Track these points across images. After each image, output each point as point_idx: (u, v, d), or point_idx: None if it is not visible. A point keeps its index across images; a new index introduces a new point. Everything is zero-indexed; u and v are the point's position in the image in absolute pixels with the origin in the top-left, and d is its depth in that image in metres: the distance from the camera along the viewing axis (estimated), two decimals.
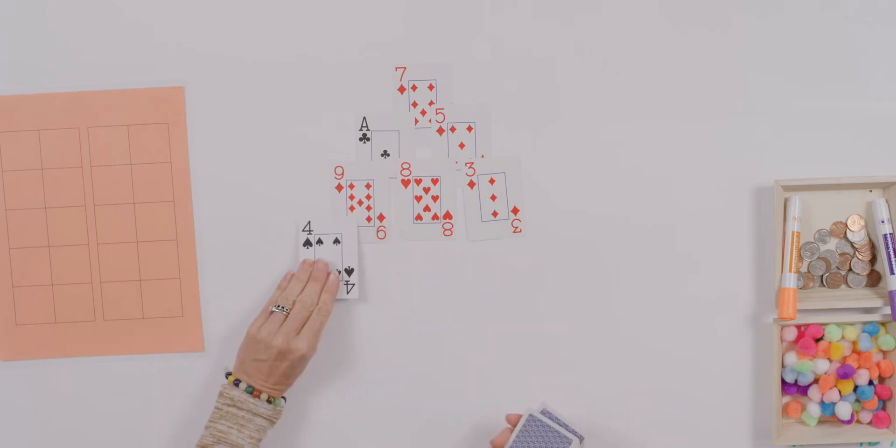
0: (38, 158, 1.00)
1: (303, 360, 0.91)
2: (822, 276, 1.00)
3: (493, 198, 1.00)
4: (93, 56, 1.00)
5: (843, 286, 1.00)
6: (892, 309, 0.95)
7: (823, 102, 0.99)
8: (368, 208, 1.00)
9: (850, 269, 1.00)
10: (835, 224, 1.00)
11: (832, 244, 1.00)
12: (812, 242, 1.00)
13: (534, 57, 0.99)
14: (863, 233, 0.99)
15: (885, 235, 0.97)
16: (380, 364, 1.00)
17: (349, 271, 1.00)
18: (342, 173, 1.00)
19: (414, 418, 1.00)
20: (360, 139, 1.00)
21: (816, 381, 0.98)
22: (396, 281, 1.00)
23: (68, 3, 1.00)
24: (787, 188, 0.97)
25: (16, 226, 1.00)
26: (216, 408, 0.91)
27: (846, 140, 0.99)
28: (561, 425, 0.91)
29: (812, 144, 0.99)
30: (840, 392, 0.97)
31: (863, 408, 0.99)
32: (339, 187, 1.00)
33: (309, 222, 1.00)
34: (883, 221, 0.97)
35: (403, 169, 1.00)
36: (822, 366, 0.97)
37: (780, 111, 0.99)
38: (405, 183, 1.00)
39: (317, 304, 0.94)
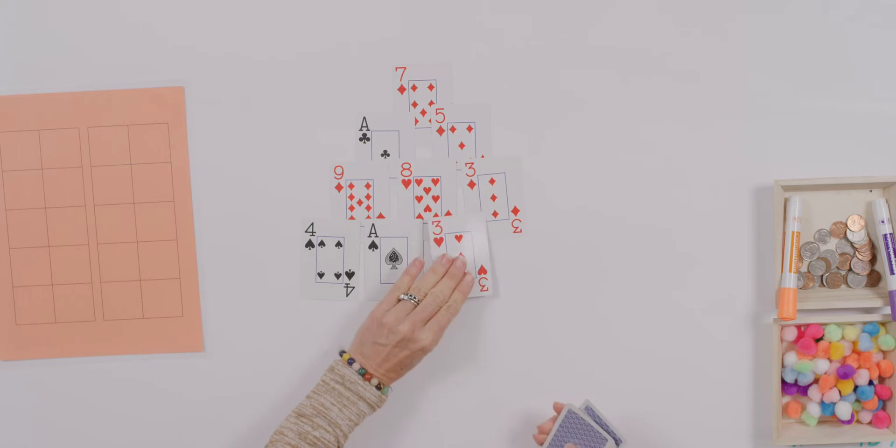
0: (38, 158, 1.00)
1: (422, 352, 0.91)
2: (822, 276, 1.00)
3: (494, 198, 1.00)
4: (92, 56, 1.00)
5: (843, 286, 1.00)
6: (892, 309, 0.96)
7: (824, 103, 0.99)
8: (368, 208, 1.00)
9: (850, 269, 1.00)
10: (835, 224, 1.00)
11: (832, 244, 1.00)
12: (812, 242, 1.00)
13: (534, 57, 0.99)
14: (863, 233, 0.99)
15: (885, 235, 0.97)
16: None
17: (349, 274, 1.00)
18: (342, 173, 1.00)
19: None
20: (360, 139, 1.00)
21: (816, 381, 0.98)
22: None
23: (68, 3, 1.00)
24: (787, 188, 0.97)
25: (16, 226, 1.00)
26: (322, 382, 0.90)
27: (846, 140, 0.99)
28: (600, 424, 0.91)
29: (812, 145, 0.99)
30: (840, 392, 0.97)
31: (863, 408, 0.99)
32: (339, 187, 1.00)
33: (312, 224, 1.00)
34: (883, 221, 0.97)
35: (404, 169, 1.00)
36: (822, 366, 0.97)
37: (780, 111, 0.99)
38: (405, 183, 1.00)
39: (447, 301, 0.93)
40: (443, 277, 0.95)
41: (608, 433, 0.90)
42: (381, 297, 0.96)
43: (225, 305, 1.00)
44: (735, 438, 1.01)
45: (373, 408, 0.91)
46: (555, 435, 0.90)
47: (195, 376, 1.01)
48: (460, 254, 0.98)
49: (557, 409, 0.92)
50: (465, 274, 0.96)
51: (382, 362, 0.90)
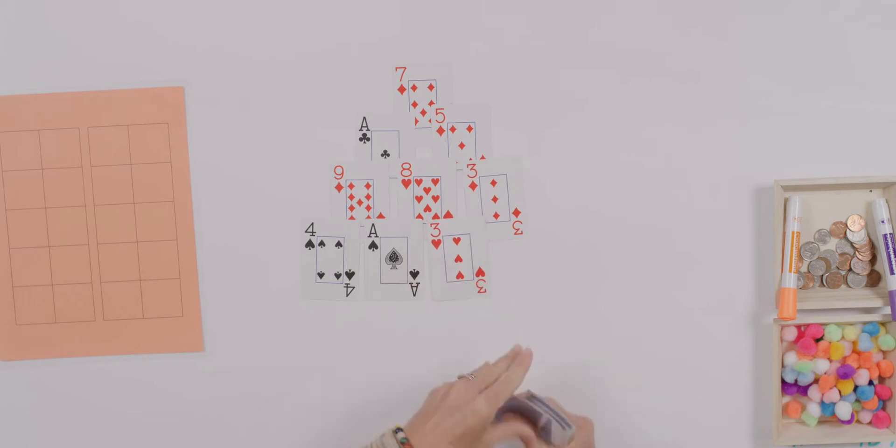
0: (38, 158, 1.00)
1: (477, 418, 0.81)
2: (822, 276, 1.00)
3: (495, 199, 1.00)
4: (93, 56, 1.00)
5: (843, 286, 1.00)
6: (892, 309, 0.96)
7: (824, 103, 0.99)
8: (368, 208, 1.00)
9: (850, 269, 1.00)
10: (835, 224, 1.00)
11: (832, 244, 1.00)
12: (812, 242, 1.00)
13: (534, 57, 0.99)
14: (863, 233, 0.99)
15: (885, 235, 0.97)
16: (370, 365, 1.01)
17: (349, 274, 1.00)
18: (342, 173, 1.00)
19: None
20: (360, 139, 1.00)
21: (816, 381, 0.98)
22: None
23: (68, 3, 1.00)
24: (787, 188, 0.97)
25: (16, 226, 1.00)
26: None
27: (846, 140, 0.99)
28: (543, 408, 0.90)
29: (812, 145, 0.99)
30: (840, 392, 0.97)
31: (863, 408, 0.99)
32: (339, 187, 1.00)
33: (312, 224, 1.00)
34: (883, 221, 0.97)
35: (404, 169, 1.00)
36: (822, 366, 0.97)
37: (780, 111, 0.99)
38: (405, 183, 1.00)
39: (502, 375, 0.86)
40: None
41: (549, 414, 0.88)
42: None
43: (225, 305, 1.01)
44: (735, 438, 1.01)
45: None
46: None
47: (195, 376, 1.01)
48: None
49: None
50: (521, 351, 0.90)
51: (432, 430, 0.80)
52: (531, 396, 0.92)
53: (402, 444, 0.80)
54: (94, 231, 1.00)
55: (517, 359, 0.90)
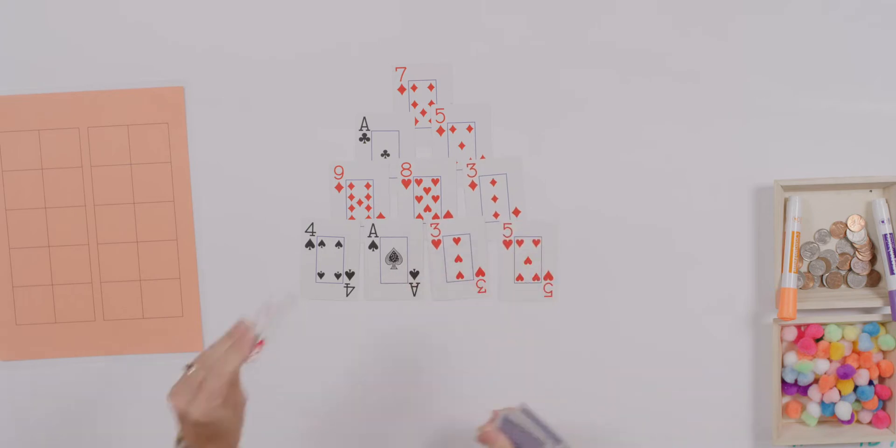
0: (38, 158, 1.00)
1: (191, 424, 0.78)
2: (822, 276, 1.00)
3: (495, 199, 1.00)
4: (93, 56, 1.00)
5: (843, 286, 1.00)
6: (892, 309, 0.96)
7: (824, 103, 0.99)
8: (368, 208, 1.00)
9: (850, 269, 1.00)
10: (835, 224, 1.00)
11: (832, 244, 1.00)
12: (812, 242, 1.00)
13: (534, 57, 0.99)
14: (863, 233, 0.99)
15: (885, 235, 0.97)
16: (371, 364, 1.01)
17: (349, 274, 1.00)
18: (342, 173, 1.00)
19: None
20: (360, 139, 1.00)
21: (816, 381, 0.98)
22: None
23: (68, 3, 1.00)
24: (787, 188, 0.97)
25: (16, 226, 1.00)
26: None
27: (846, 140, 0.99)
28: (540, 426, 0.90)
29: (812, 145, 0.99)
30: (840, 392, 0.97)
31: (863, 408, 0.99)
32: (339, 187, 1.00)
33: (312, 224, 1.00)
34: (883, 221, 0.97)
35: (404, 169, 1.00)
36: (822, 366, 0.97)
37: (780, 112, 0.99)
38: (405, 183, 1.00)
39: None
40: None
41: (547, 435, 0.89)
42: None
43: (225, 305, 1.00)
44: (735, 438, 1.01)
45: None
46: None
47: None
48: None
49: (495, 414, 0.91)
50: (241, 331, 0.82)
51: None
52: (526, 412, 0.91)
53: None
54: (94, 231, 1.00)
55: (235, 343, 0.81)
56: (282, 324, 0.86)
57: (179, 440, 0.81)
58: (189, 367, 0.80)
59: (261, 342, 0.84)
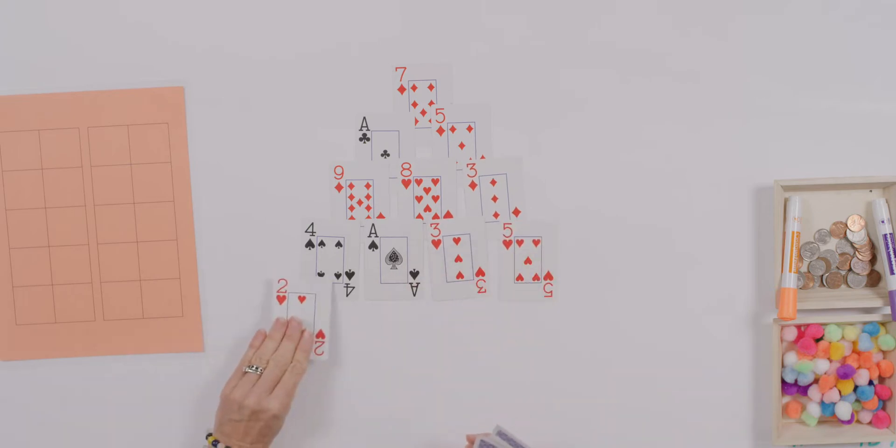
0: (38, 158, 1.00)
1: (276, 420, 0.90)
2: (822, 276, 1.00)
3: (495, 199, 1.00)
4: (93, 56, 1.00)
5: (843, 286, 1.00)
6: (892, 309, 0.96)
7: (824, 103, 0.99)
8: (368, 208, 1.00)
9: (850, 269, 1.00)
10: (835, 224, 1.00)
11: (832, 244, 1.00)
12: (812, 242, 1.00)
13: (534, 57, 0.99)
14: (863, 233, 0.99)
15: (885, 235, 0.97)
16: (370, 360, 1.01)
17: (349, 274, 1.00)
18: (342, 173, 1.00)
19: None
20: (360, 139, 1.00)
21: (816, 381, 0.98)
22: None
23: (68, 3, 1.00)
24: (787, 188, 0.97)
25: (16, 226, 1.00)
26: None
27: (846, 140, 0.99)
28: (515, 446, 0.90)
29: (812, 145, 0.99)
30: (840, 392, 0.97)
31: (863, 408, 0.99)
32: (339, 187, 1.00)
33: (312, 224, 1.00)
34: (883, 221, 0.97)
35: (404, 169, 1.00)
36: (822, 366, 0.97)
37: (780, 111, 0.99)
38: (405, 183, 1.00)
39: (290, 363, 0.94)
40: (282, 341, 0.96)
41: None
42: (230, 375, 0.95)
43: (225, 305, 1.00)
44: (735, 438, 1.01)
45: None
46: None
47: (195, 376, 1.01)
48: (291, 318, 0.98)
49: (470, 440, 0.92)
50: (302, 332, 0.97)
51: (244, 436, 0.89)
52: (503, 434, 0.91)
53: None
54: (94, 231, 1.00)
55: (301, 345, 0.95)
56: (331, 314, 0.98)
57: (215, 442, 0.90)
58: (253, 368, 0.92)
59: (321, 334, 0.90)
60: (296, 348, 0.95)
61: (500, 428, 0.92)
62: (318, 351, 0.99)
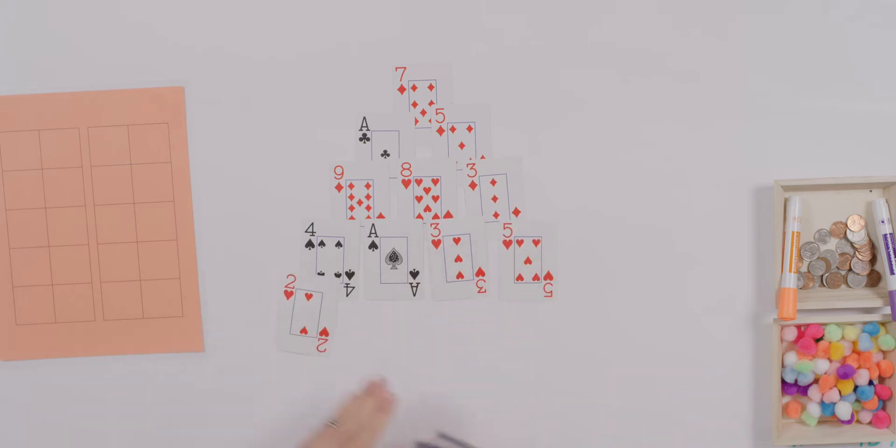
0: (38, 158, 1.00)
1: None
2: (822, 276, 1.00)
3: (495, 199, 1.00)
4: (93, 56, 1.00)
5: (843, 286, 1.00)
6: (892, 309, 0.96)
7: (824, 103, 0.99)
8: (368, 208, 1.00)
9: (850, 269, 1.00)
10: (835, 224, 1.00)
11: (832, 244, 1.00)
12: (812, 242, 1.00)
13: (534, 57, 0.99)
14: (863, 233, 0.99)
15: (885, 235, 0.97)
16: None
17: (349, 274, 1.00)
18: (342, 173, 1.00)
19: None
20: (360, 139, 1.00)
21: (816, 381, 0.98)
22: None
23: (68, 3, 1.00)
24: (787, 188, 0.97)
25: (16, 226, 1.00)
26: None
27: (846, 140, 0.99)
28: (459, 445, 0.90)
29: (812, 145, 0.99)
30: (840, 392, 0.97)
31: (863, 408, 0.99)
32: (339, 187, 1.00)
33: (312, 224, 1.00)
34: (883, 221, 0.97)
35: (404, 169, 1.00)
36: (822, 366, 0.97)
37: (780, 111, 0.99)
38: (405, 183, 1.00)
39: (368, 422, 0.88)
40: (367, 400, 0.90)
41: None
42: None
43: (225, 305, 1.01)
44: (735, 438, 1.01)
45: None
46: None
47: (195, 376, 1.01)
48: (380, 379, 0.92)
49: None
50: (384, 392, 0.90)
51: None
52: (444, 436, 0.91)
53: None
54: (94, 231, 1.00)
55: (381, 405, 0.89)
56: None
57: None
58: (333, 423, 0.87)
59: (325, 332, 0.97)
60: (377, 407, 0.89)
61: (441, 431, 0.91)
62: (321, 348, 0.99)
